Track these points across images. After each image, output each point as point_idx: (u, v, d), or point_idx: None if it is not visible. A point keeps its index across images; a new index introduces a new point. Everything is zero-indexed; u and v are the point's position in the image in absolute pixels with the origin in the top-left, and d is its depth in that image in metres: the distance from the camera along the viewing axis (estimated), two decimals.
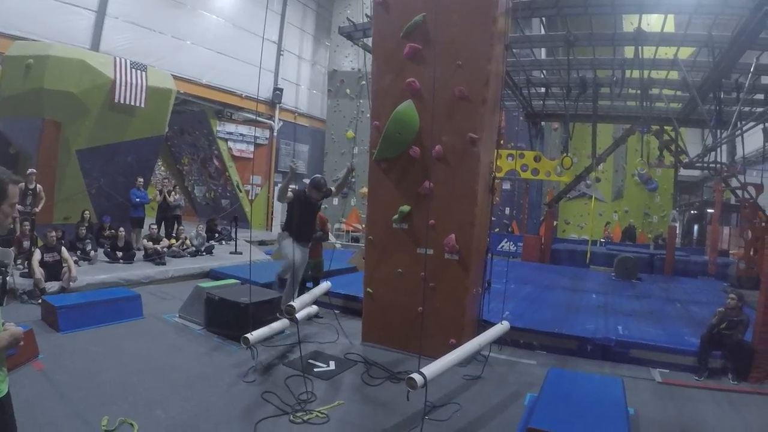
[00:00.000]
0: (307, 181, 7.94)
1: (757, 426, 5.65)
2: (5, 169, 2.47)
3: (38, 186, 10.71)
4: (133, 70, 12.93)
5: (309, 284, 9.10)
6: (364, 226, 8.05)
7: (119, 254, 11.54)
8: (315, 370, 6.44)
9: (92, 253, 11.19)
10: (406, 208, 7.17)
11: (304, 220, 7.63)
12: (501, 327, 6.95)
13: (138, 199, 13.28)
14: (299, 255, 7.66)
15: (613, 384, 5.68)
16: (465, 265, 6.98)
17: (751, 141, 15.39)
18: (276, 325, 6.87)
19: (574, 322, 8.69)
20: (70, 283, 9.06)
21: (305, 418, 5.04)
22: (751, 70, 10.84)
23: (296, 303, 6.39)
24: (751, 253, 11.43)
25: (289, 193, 7.10)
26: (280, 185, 7.43)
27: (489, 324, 7.23)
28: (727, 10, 9.03)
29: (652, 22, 13.27)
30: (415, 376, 4.64)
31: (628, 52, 12.60)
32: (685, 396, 6.46)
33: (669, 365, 7.40)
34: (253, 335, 6.08)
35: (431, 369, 4.90)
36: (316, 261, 8.87)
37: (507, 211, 22.50)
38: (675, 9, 10.03)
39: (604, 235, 23.65)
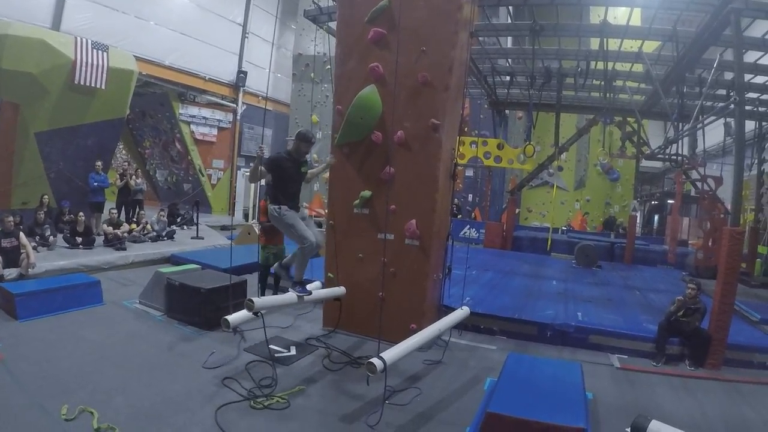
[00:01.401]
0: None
1: (713, 411, 5.81)
2: None
3: None
4: (95, 50, 12.64)
5: (272, 271, 9.00)
6: (326, 211, 7.96)
7: (79, 240, 11.30)
8: (276, 355, 6.42)
9: (51, 238, 10.92)
10: (367, 193, 7.17)
11: (294, 188, 6.55)
12: (461, 312, 7.00)
13: (96, 184, 12.97)
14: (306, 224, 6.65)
15: (572, 369, 5.77)
16: (425, 251, 7.01)
17: (712, 135, 15.72)
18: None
19: (534, 308, 8.81)
20: (29, 269, 8.83)
21: (266, 403, 5.03)
22: (714, 65, 11.02)
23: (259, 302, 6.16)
24: (710, 243, 11.67)
25: (262, 168, 6.29)
26: (250, 169, 6.57)
27: (449, 309, 7.28)
28: (692, 6, 9.15)
29: (619, 16, 13.42)
30: (375, 360, 4.66)
31: (594, 43, 12.72)
32: (642, 381, 6.62)
33: (627, 351, 7.58)
34: (232, 318, 5.90)
35: (391, 354, 4.93)
36: (278, 248, 8.66)
37: (470, 197, 22.62)
38: (641, 3, 10.13)
39: (580, 224, 23.94)
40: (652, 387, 6.43)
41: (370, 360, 4.71)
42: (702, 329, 7.27)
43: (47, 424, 4.34)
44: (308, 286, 6.63)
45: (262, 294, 8.48)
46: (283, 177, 6.38)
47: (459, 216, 21.45)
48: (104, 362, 5.79)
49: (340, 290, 7.30)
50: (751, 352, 7.46)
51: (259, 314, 5.84)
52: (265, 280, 8.65)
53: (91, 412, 4.51)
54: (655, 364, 7.18)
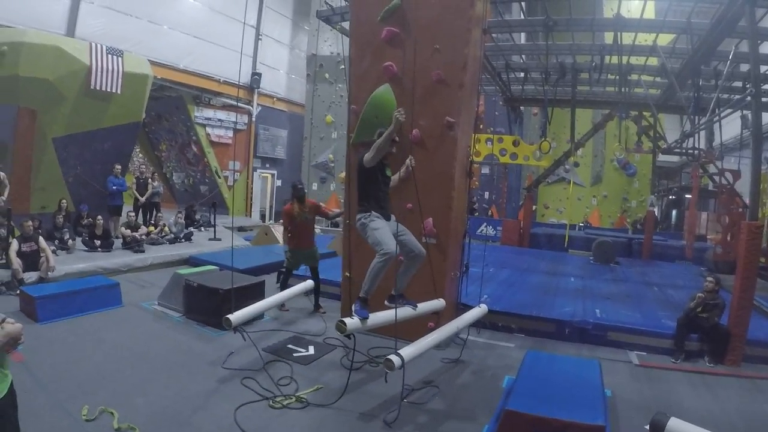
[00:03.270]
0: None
1: (733, 408, 5.76)
2: None
3: (1, 174, 10.47)
4: (109, 55, 12.72)
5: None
6: (343, 210, 7.96)
7: (97, 243, 11.42)
8: (294, 355, 6.46)
9: (70, 242, 11.06)
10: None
11: (384, 192, 5.79)
12: (479, 310, 6.99)
13: (115, 187, 13.10)
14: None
15: (590, 366, 5.75)
16: (443, 249, 7.02)
17: (729, 128, 15.53)
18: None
19: (552, 306, 8.79)
20: (48, 273, 8.93)
21: (285, 403, 5.06)
22: (730, 57, 10.91)
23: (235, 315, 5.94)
24: (728, 238, 11.55)
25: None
26: (379, 141, 5.34)
27: (467, 307, 7.27)
28: None
29: (633, 9, 13.33)
30: (393, 357, 4.68)
31: (608, 37, 12.63)
32: (661, 378, 6.59)
33: (646, 348, 7.54)
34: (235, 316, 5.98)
35: (408, 351, 4.96)
36: (311, 250, 8.59)
37: (486, 195, 22.56)
38: None
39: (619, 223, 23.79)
40: (671, 384, 6.40)
41: (388, 357, 4.73)
42: (721, 325, 7.21)
43: (68, 425, 4.40)
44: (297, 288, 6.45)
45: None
46: (374, 179, 5.62)
47: (476, 213, 21.44)
48: (124, 363, 5.85)
49: (438, 303, 6.69)
50: None
51: (237, 330, 5.90)
52: (286, 285, 8.59)
53: (112, 413, 4.56)
54: (674, 360, 7.14)
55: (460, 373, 6.29)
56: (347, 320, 5.11)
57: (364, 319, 5.32)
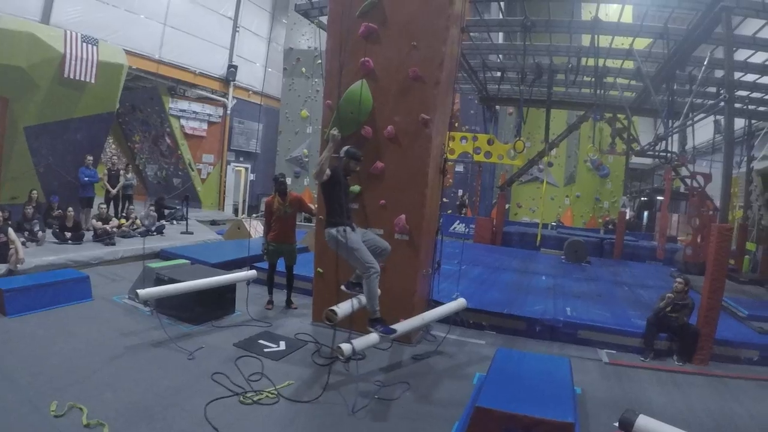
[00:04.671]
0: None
1: (700, 406, 5.86)
2: None
3: None
4: (84, 44, 12.52)
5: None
6: (316, 206, 7.93)
7: (68, 235, 11.24)
8: (265, 350, 6.42)
9: (40, 233, 10.85)
10: (356, 188, 7.14)
11: (348, 205, 6.05)
12: (456, 303, 7.02)
13: (87, 179, 12.90)
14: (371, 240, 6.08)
15: (561, 364, 5.79)
16: (415, 246, 7.03)
17: (702, 132, 15.82)
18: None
19: (523, 304, 8.85)
20: (18, 265, 8.75)
21: (255, 398, 5.03)
22: (705, 63, 11.08)
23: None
24: (699, 240, 11.75)
25: (328, 171, 5.58)
26: (320, 158, 5.67)
27: (438, 304, 7.30)
28: (684, 4, 9.20)
29: (611, 12, 13.47)
30: (343, 345, 4.88)
31: (585, 40, 12.75)
32: (631, 376, 6.67)
33: (616, 346, 7.63)
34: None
35: (361, 341, 5.23)
36: (290, 246, 8.48)
37: (460, 193, 22.67)
38: (632, 0, 10.15)
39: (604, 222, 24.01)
40: (640, 382, 6.48)
41: (339, 344, 4.94)
42: (690, 325, 7.33)
43: (37, 421, 4.32)
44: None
45: (270, 294, 8.53)
46: (339, 191, 5.75)
47: (464, 212, 21.61)
48: (93, 358, 5.76)
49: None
50: (739, 348, 7.54)
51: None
52: (272, 281, 8.59)
53: (81, 408, 4.48)
54: (643, 359, 7.24)
55: (430, 369, 6.30)
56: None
57: (392, 332, 5.68)
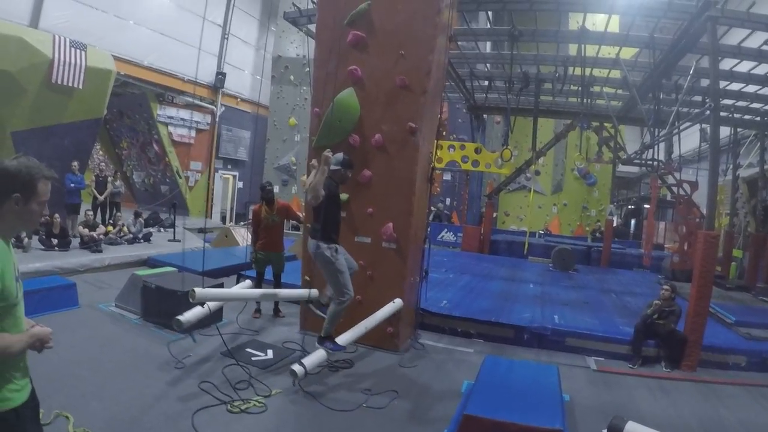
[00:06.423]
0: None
1: (688, 411, 5.90)
2: (38, 162, 2.25)
3: None
4: (73, 49, 12.45)
5: None
6: (304, 214, 7.92)
7: (54, 242, 11.14)
8: (253, 359, 6.38)
9: (26, 240, 10.70)
10: (344, 196, 7.12)
11: (338, 218, 6.08)
12: (392, 305, 6.94)
13: (73, 185, 12.78)
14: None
15: (549, 371, 5.82)
16: (402, 254, 7.02)
17: (688, 141, 15.97)
18: None
19: (511, 312, 8.86)
20: None
21: (243, 407, 5.00)
22: (690, 72, 11.20)
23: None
24: (685, 247, 11.82)
25: (322, 191, 5.47)
26: (312, 181, 5.57)
27: (426, 313, 7.30)
28: (670, 14, 9.28)
29: (598, 22, 13.56)
30: (296, 367, 5.02)
31: (572, 49, 12.86)
32: (619, 383, 6.70)
33: (604, 353, 7.67)
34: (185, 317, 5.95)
35: (310, 359, 5.46)
36: (278, 254, 8.51)
37: (447, 201, 22.73)
38: (619, 9, 10.24)
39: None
40: (628, 389, 6.51)
41: (292, 367, 5.14)
42: (677, 331, 7.38)
43: None
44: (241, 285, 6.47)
45: (258, 303, 8.44)
46: (332, 207, 5.71)
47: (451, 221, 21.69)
48: (80, 366, 5.70)
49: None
50: (726, 354, 7.60)
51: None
52: (260, 287, 8.51)
53: (67, 417, 4.43)
54: (631, 366, 7.27)
55: (419, 377, 6.29)
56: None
57: (341, 348, 5.86)
